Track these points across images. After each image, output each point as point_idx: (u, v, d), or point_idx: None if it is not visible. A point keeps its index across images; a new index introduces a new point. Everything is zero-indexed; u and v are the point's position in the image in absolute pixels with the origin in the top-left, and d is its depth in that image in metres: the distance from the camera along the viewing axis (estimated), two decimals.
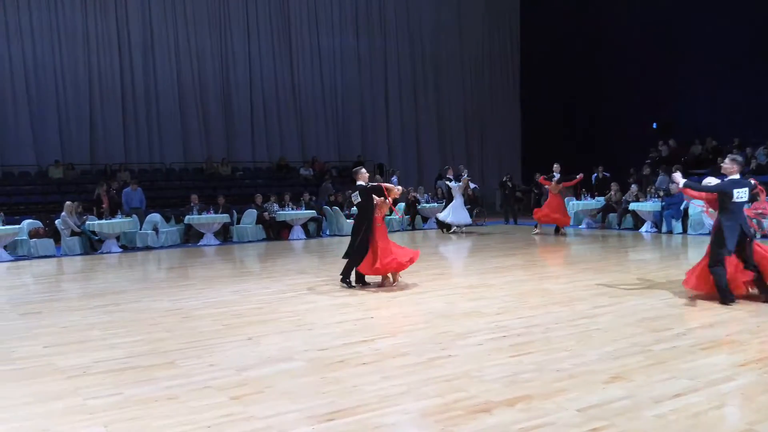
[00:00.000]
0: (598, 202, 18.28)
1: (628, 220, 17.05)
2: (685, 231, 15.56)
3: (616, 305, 7.45)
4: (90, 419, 4.31)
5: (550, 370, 5.06)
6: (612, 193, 17.99)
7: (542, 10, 26.66)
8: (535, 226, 16.67)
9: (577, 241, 15.27)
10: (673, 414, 4.16)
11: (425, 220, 19.36)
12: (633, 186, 17.65)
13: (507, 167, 26.15)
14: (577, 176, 16.18)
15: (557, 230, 16.24)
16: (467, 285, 9.04)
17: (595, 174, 20.57)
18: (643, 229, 16.29)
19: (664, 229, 15.89)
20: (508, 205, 20.33)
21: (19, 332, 6.97)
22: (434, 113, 27.57)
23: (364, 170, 9.58)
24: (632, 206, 16.70)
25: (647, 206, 16.29)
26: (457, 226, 17.30)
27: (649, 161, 20.51)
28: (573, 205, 18.55)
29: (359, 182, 9.28)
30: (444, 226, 17.50)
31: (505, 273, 10.12)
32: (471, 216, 19.25)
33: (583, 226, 17.93)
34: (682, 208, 15.69)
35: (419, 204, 19.32)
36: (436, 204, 19.45)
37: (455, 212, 17.02)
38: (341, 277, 9.22)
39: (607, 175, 20.04)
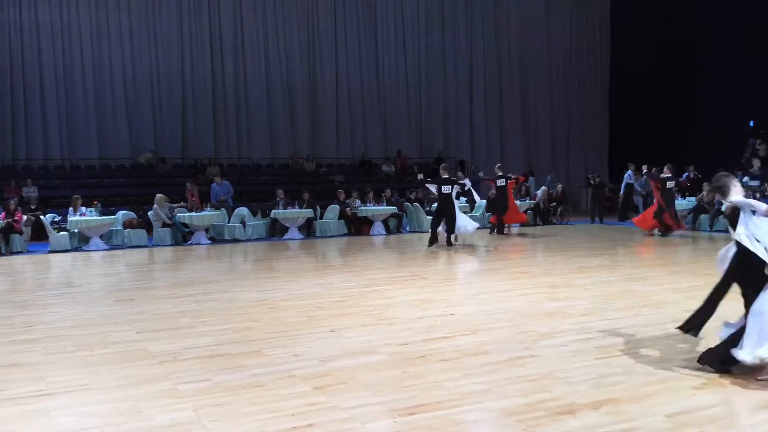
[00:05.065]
0: (689, 202, 17.61)
1: (721, 221, 16.34)
2: None
3: None
4: (180, 403, 4.47)
5: (638, 374, 4.92)
6: (704, 193, 17.30)
7: (634, 3, 25.87)
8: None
9: (666, 242, 14.78)
10: None
11: None
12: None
13: (593, 165, 25.54)
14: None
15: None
16: (551, 284, 8.89)
17: (687, 174, 19.84)
18: None
19: None
20: (596, 205, 19.81)
21: (114, 318, 7.29)
22: (519, 109, 27.20)
23: None
24: (725, 207, 16.01)
25: None
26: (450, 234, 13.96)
27: (743, 160, 19.66)
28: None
29: None
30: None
31: (590, 273, 9.89)
32: (555, 214, 19.06)
33: None
34: None
35: None
36: (518, 201, 19.15)
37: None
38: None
39: (699, 176, 19.31)
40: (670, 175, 15.78)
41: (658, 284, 8.86)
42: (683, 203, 17.59)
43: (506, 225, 16.56)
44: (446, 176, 13.94)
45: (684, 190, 18.48)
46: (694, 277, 9.38)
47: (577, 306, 7.43)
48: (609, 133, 28.33)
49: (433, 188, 14.33)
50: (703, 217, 16.93)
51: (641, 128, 25.06)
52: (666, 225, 15.46)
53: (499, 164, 17.62)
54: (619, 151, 26.25)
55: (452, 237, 13.75)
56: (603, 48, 28.46)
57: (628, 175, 20.17)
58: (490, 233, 16.31)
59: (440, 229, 13.74)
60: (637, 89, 25.57)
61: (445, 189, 13.61)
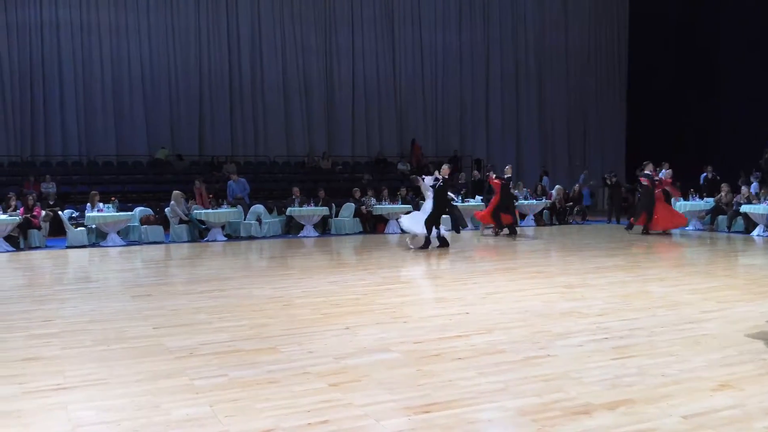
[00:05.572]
0: (707, 203, 17.49)
1: (739, 223, 16.22)
2: None
3: (724, 311, 7.11)
4: (196, 398, 4.50)
5: (654, 375, 4.89)
6: (722, 194, 17.17)
7: (653, 1, 25.67)
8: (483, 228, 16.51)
9: (683, 243, 14.69)
10: None
11: (522, 217, 19.08)
12: (744, 188, 16.80)
13: (610, 165, 25.43)
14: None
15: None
16: (566, 284, 8.86)
17: (705, 174, 19.69)
18: (755, 232, 15.45)
19: None
20: (613, 204, 19.71)
21: (130, 313, 7.34)
22: (536, 108, 27.13)
23: None
24: (744, 208, 15.88)
25: (760, 209, 15.45)
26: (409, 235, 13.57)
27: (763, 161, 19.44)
28: (680, 206, 17.82)
29: None
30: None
31: (606, 273, 9.84)
32: (571, 213, 18.91)
33: (691, 227, 17.19)
34: None
35: (517, 200, 19.03)
36: (534, 201, 19.15)
37: (414, 217, 13.66)
38: None
39: (717, 176, 19.15)
40: (648, 173, 15.83)
41: (674, 285, 8.80)
42: (701, 204, 17.45)
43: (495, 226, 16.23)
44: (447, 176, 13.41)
45: (700, 191, 18.36)
46: (712, 279, 9.31)
47: (593, 306, 7.40)
48: (626, 133, 28.17)
49: (430, 184, 13.29)
50: (721, 218, 16.80)
51: (659, 128, 24.90)
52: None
53: (509, 166, 17.39)
54: (637, 151, 26.11)
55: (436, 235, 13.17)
56: (621, 47, 28.33)
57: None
58: (509, 235, 16.12)
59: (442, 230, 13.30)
60: (655, 88, 25.41)
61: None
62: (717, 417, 4.09)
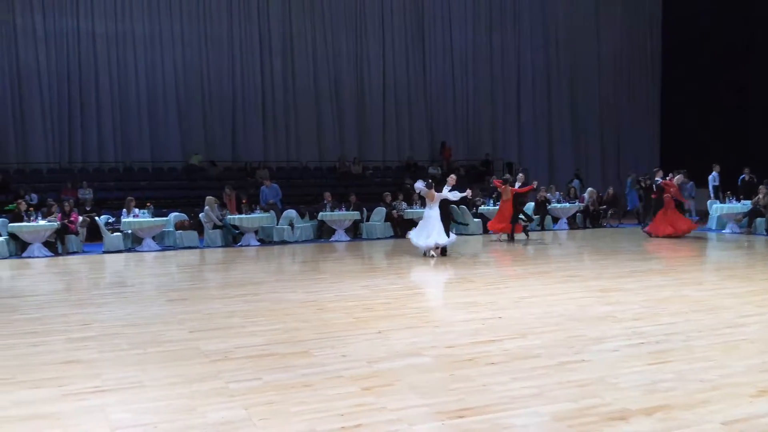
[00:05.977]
0: (744, 205, 17.14)
1: None
2: None
3: (764, 315, 6.98)
4: (231, 401, 4.54)
5: (691, 380, 4.81)
6: (760, 196, 16.82)
7: (685, 4, 25.29)
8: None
9: (720, 246, 14.44)
10: None
11: (556, 220, 18.93)
12: None
13: (643, 168, 25.06)
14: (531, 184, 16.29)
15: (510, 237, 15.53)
16: (601, 288, 8.76)
17: (742, 176, 19.32)
18: None
19: None
20: (646, 207, 19.42)
21: (166, 317, 7.44)
22: (568, 110, 26.89)
23: None
24: None
25: None
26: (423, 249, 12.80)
27: None
28: (716, 208, 17.54)
29: None
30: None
31: (641, 277, 9.71)
32: (605, 216, 18.68)
33: (728, 230, 16.88)
34: None
35: (549, 204, 18.91)
36: (567, 204, 18.99)
37: (421, 230, 12.95)
38: None
39: (754, 178, 18.77)
40: (657, 179, 16.41)
41: (711, 289, 8.66)
42: (738, 206, 17.12)
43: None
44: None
45: (737, 194, 18.02)
46: (750, 282, 9.14)
47: (628, 310, 7.31)
48: (660, 136, 27.79)
49: (456, 198, 13.13)
50: (759, 221, 16.46)
51: (693, 130, 24.52)
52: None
53: (521, 174, 17.18)
54: (671, 153, 25.77)
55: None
56: (654, 47, 27.95)
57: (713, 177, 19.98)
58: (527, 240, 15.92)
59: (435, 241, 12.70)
60: (688, 89, 25.02)
61: None
62: (757, 423, 4.02)
